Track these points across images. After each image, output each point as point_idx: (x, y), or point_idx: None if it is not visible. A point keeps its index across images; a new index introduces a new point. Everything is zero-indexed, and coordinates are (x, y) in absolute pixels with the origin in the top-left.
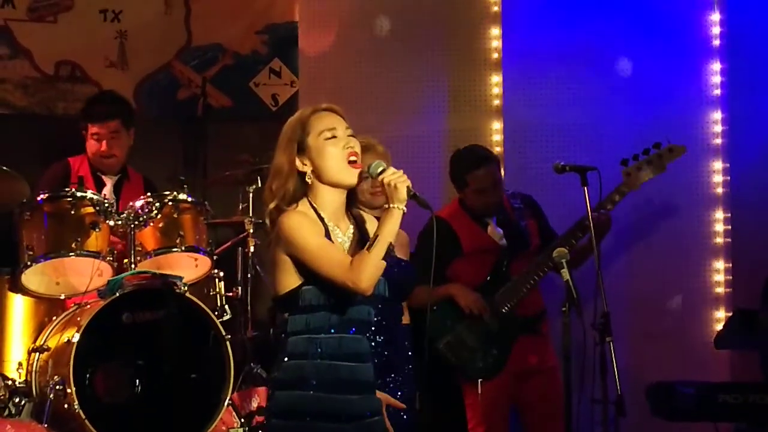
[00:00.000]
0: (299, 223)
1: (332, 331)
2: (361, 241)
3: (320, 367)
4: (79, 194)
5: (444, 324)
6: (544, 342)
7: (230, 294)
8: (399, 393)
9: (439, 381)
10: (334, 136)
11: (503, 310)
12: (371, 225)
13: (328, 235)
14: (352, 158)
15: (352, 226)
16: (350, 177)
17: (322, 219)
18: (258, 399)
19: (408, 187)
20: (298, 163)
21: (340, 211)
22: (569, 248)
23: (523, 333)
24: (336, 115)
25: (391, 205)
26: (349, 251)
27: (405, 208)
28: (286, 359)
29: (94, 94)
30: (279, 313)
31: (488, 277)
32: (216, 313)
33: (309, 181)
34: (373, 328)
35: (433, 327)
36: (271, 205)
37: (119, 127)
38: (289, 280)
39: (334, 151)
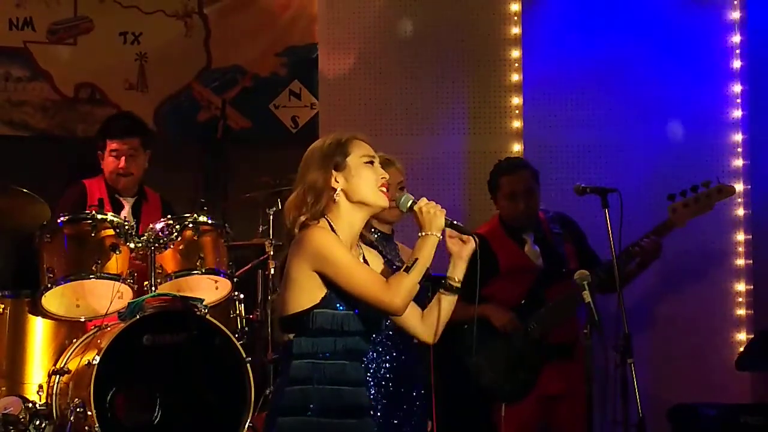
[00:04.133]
0: (330, 239)
1: (337, 357)
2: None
3: (324, 393)
4: (99, 216)
5: (476, 345)
6: (576, 367)
7: (251, 316)
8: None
9: (468, 398)
10: (372, 162)
11: (535, 335)
12: (370, 256)
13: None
14: (383, 188)
15: (361, 255)
16: (382, 200)
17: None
18: None
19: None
20: (332, 179)
21: (355, 237)
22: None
23: (554, 359)
24: (370, 147)
25: (428, 233)
26: None
27: (441, 236)
28: (288, 385)
29: (113, 114)
30: (283, 333)
31: (524, 300)
32: (237, 335)
33: (336, 199)
34: (380, 351)
35: (465, 346)
36: (301, 218)
37: (138, 145)
38: (302, 300)
39: (371, 174)
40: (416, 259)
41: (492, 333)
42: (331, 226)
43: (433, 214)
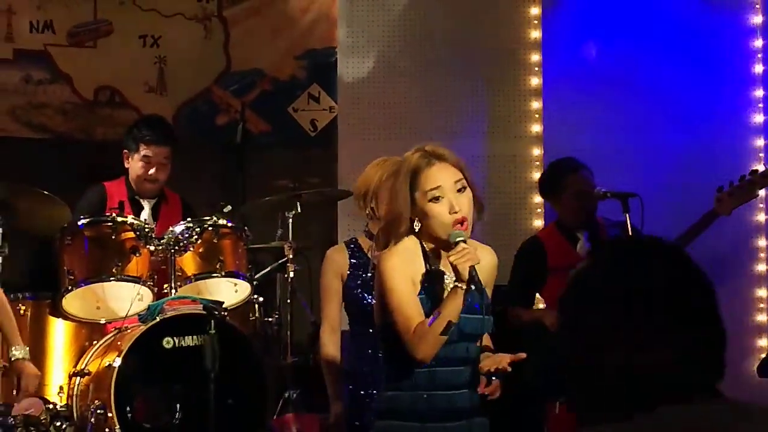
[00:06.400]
0: (394, 269)
1: (429, 365)
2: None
3: (416, 398)
4: (119, 219)
5: (531, 345)
6: None
7: (269, 319)
8: None
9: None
10: (438, 197)
11: None
12: (483, 253)
13: (430, 274)
14: (458, 224)
15: None
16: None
17: (427, 255)
18: (297, 425)
19: (471, 268)
20: (409, 213)
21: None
22: None
23: None
24: (445, 164)
25: (456, 284)
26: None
27: (465, 286)
28: (383, 390)
29: (145, 117)
30: (381, 342)
31: None
32: (255, 338)
33: (416, 228)
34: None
35: (524, 348)
36: (384, 252)
37: (169, 154)
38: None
39: (439, 213)
40: (438, 313)
41: (546, 332)
42: (420, 243)
43: (458, 264)
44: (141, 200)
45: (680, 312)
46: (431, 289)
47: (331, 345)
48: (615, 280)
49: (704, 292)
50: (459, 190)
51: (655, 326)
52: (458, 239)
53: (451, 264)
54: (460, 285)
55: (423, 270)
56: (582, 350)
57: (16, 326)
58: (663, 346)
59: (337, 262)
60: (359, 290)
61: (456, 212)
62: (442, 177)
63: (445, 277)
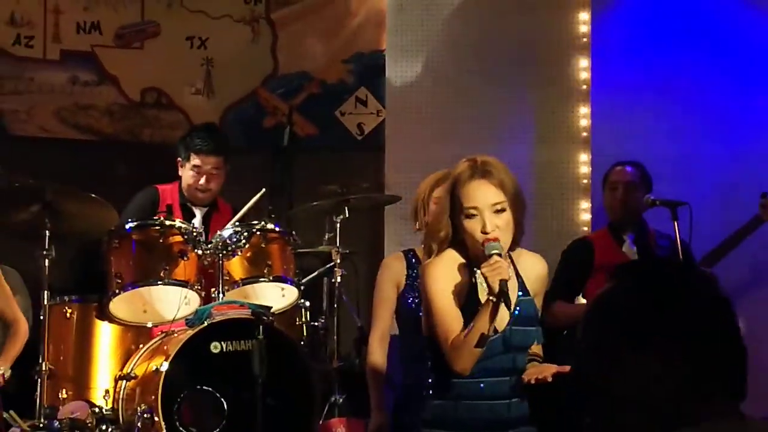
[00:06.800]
0: (436, 280)
1: (474, 375)
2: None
3: (462, 408)
4: (167, 223)
5: (570, 348)
6: None
7: (316, 324)
8: None
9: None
10: (473, 215)
11: None
12: (524, 259)
13: (473, 284)
14: (485, 243)
15: (510, 266)
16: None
17: (471, 267)
18: (343, 429)
19: (500, 282)
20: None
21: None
22: None
23: None
24: (486, 182)
25: (488, 297)
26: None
27: (494, 299)
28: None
29: (198, 125)
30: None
31: None
32: (302, 343)
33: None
34: None
35: (562, 351)
36: (428, 262)
37: (221, 164)
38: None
39: (472, 230)
40: (472, 326)
41: None
42: (464, 253)
43: (489, 277)
44: (193, 207)
45: (702, 332)
46: (471, 300)
47: (378, 353)
48: (639, 301)
49: (725, 312)
50: (496, 211)
51: (678, 346)
52: (493, 252)
53: (483, 276)
54: (491, 298)
55: (465, 281)
56: (606, 369)
57: (15, 353)
58: (685, 365)
59: (395, 270)
60: (414, 301)
61: (488, 232)
62: (480, 196)
63: (481, 289)
